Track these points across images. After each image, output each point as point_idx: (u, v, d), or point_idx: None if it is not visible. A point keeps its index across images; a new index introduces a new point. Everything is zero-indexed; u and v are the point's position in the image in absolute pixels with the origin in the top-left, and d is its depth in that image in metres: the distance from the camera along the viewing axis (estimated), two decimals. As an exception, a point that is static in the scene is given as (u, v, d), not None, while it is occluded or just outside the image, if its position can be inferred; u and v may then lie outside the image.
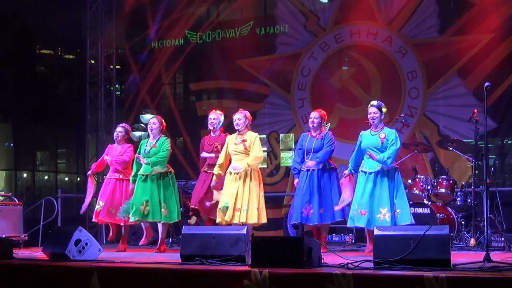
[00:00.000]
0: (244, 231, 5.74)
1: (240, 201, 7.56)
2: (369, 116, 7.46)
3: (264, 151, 11.71)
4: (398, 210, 7.21)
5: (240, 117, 7.81)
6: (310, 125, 8.03)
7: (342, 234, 9.99)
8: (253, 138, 7.76)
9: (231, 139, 7.87)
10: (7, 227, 8.57)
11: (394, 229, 5.68)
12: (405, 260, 5.01)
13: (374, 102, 7.48)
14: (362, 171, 7.45)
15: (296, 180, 8.07)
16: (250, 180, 7.62)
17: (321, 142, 7.89)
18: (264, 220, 7.69)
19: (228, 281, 4.99)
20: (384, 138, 7.30)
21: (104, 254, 6.60)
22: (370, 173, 7.33)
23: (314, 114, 8.05)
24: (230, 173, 7.73)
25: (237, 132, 7.83)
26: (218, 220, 7.65)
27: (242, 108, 8.04)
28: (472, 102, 10.04)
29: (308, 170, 7.88)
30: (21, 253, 7.31)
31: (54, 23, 14.79)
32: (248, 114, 7.92)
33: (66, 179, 18.58)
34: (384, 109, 7.42)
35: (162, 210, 7.87)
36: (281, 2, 11.92)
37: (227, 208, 7.55)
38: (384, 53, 10.98)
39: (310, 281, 4.76)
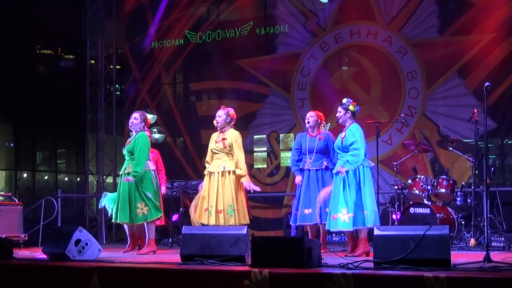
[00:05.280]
0: (244, 231, 5.74)
1: (221, 202, 7.44)
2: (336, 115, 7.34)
3: (264, 151, 11.80)
4: (365, 211, 6.98)
5: (220, 114, 7.65)
6: (307, 125, 8.00)
7: (342, 234, 9.95)
8: (233, 137, 7.60)
9: (214, 136, 7.74)
10: (7, 227, 8.55)
11: (394, 229, 5.66)
12: (405, 260, 5.00)
13: (343, 101, 7.25)
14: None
15: (298, 178, 7.97)
16: (230, 181, 7.53)
17: (324, 143, 7.85)
18: (247, 220, 7.56)
19: (228, 281, 4.98)
20: (343, 137, 7.15)
21: (104, 254, 6.60)
22: (335, 174, 7.19)
23: (310, 114, 8.03)
24: (212, 173, 7.59)
25: (218, 129, 7.70)
26: (204, 222, 7.43)
27: (224, 106, 7.90)
28: (472, 102, 10.04)
29: (309, 170, 7.86)
30: (21, 253, 7.30)
31: (54, 23, 14.78)
32: (231, 111, 7.73)
33: (66, 179, 18.57)
34: (351, 107, 7.23)
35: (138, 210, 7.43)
36: (281, 2, 11.92)
37: (211, 209, 7.43)
38: (384, 53, 10.98)
39: (310, 281, 4.75)
